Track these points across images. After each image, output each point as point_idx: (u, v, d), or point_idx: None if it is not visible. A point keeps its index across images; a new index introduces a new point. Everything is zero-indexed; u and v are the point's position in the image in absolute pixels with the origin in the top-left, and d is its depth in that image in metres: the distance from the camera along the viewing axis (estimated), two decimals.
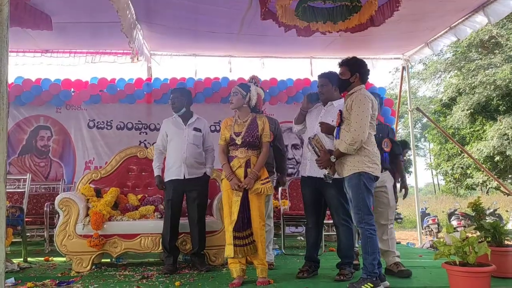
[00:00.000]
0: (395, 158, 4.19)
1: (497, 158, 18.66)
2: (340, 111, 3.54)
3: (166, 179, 4.30)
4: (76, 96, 6.79)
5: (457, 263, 3.09)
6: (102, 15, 5.17)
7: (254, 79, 3.94)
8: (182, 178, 4.23)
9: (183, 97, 4.39)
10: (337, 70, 3.67)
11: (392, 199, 4.08)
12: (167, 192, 4.28)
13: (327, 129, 3.70)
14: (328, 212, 4.10)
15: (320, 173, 3.73)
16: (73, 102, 6.81)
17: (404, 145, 5.35)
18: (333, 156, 3.46)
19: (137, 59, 6.24)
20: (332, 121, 3.74)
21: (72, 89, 6.85)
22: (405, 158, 4.57)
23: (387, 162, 4.03)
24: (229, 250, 3.57)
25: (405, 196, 4.30)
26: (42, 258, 5.11)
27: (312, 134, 3.71)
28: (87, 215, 4.46)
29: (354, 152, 3.38)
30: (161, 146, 4.40)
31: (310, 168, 3.94)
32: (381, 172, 3.62)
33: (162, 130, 4.43)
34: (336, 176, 3.58)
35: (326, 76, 3.95)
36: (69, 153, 6.83)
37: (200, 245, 4.31)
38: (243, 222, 3.59)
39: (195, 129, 4.36)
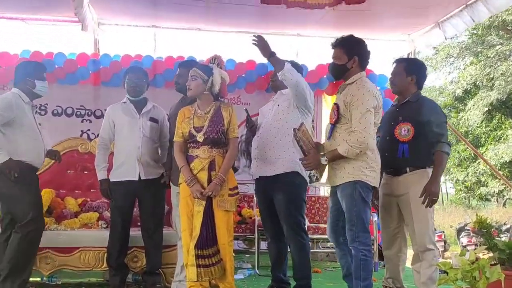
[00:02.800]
0: (431, 147, 3.69)
1: None
2: (337, 105, 3.53)
3: (113, 180, 4.27)
4: (2, 73, 6.64)
5: None
6: None
7: (217, 60, 3.91)
8: (137, 179, 4.20)
9: (145, 79, 4.41)
10: (328, 52, 3.70)
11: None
12: (115, 197, 4.24)
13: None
14: None
15: (267, 171, 3.91)
16: None
17: None
18: (324, 158, 3.48)
19: (82, 28, 6.15)
20: (278, 105, 4.01)
21: None
22: None
23: (406, 155, 3.71)
24: (191, 273, 3.54)
25: (428, 204, 3.63)
26: None
27: (298, 124, 3.69)
28: None
29: (354, 157, 3.39)
30: (107, 140, 4.35)
31: (256, 167, 4.06)
32: (402, 173, 3.68)
33: (107, 119, 4.36)
34: (300, 171, 3.74)
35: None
36: None
37: (155, 262, 4.29)
38: (208, 238, 3.58)
39: (152, 119, 4.34)
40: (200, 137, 3.67)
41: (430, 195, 3.56)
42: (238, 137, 3.84)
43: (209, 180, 3.64)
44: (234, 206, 3.73)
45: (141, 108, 4.33)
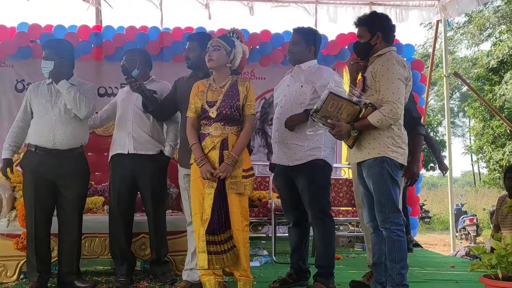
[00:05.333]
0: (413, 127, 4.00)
1: None
2: (364, 77, 3.57)
3: (110, 154, 4.35)
4: None
5: (500, 276, 3.13)
6: None
7: (237, 33, 3.85)
8: (126, 153, 4.21)
9: (138, 57, 4.38)
10: (350, 19, 3.71)
11: None
12: (111, 172, 4.32)
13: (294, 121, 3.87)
14: None
15: (288, 160, 3.99)
16: None
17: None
18: (354, 130, 3.47)
19: None
20: (302, 86, 3.99)
21: None
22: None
23: None
24: (202, 260, 3.53)
25: (411, 183, 4.09)
26: None
27: (317, 106, 3.60)
28: (13, 208, 4.43)
29: (386, 128, 3.40)
30: (97, 117, 4.50)
31: (278, 152, 4.10)
32: None
33: (114, 100, 4.55)
34: (324, 157, 3.80)
35: (298, 32, 4.15)
36: None
37: (159, 249, 4.32)
38: (220, 223, 3.55)
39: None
40: (212, 113, 3.63)
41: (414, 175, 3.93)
42: (255, 115, 3.81)
43: (221, 160, 3.60)
44: (249, 189, 3.69)
45: None
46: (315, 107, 3.53)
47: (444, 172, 6.30)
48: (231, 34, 3.83)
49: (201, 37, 4.13)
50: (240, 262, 3.61)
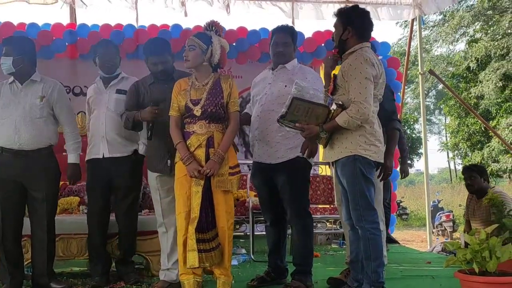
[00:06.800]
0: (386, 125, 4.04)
1: None
2: (334, 76, 3.57)
3: (86, 159, 4.33)
4: None
5: (477, 271, 3.17)
6: None
7: (215, 26, 3.79)
8: (101, 157, 4.19)
9: (118, 54, 4.41)
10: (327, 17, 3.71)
11: None
12: (87, 176, 4.33)
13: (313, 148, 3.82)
14: None
15: (270, 158, 3.98)
16: None
17: None
18: (323, 132, 3.48)
19: None
20: (285, 86, 3.93)
21: None
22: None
23: None
24: (192, 258, 3.53)
25: (383, 177, 4.02)
26: None
27: (282, 112, 3.59)
28: None
29: (354, 129, 3.40)
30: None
31: (258, 150, 4.09)
32: None
33: (87, 102, 4.48)
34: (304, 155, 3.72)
35: (287, 32, 4.13)
36: None
37: (126, 249, 4.31)
38: (207, 221, 3.57)
39: (119, 91, 4.26)
40: (197, 111, 3.63)
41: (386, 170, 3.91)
42: (239, 111, 3.80)
43: (207, 158, 3.61)
44: (235, 186, 3.70)
45: (109, 82, 4.31)
46: (281, 113, 3.54)
47: (402, 174, 6.18)
48: (209, 28, 3.78)
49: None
50: (223, 260, 3.64)
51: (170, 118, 3.75)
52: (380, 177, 3.93)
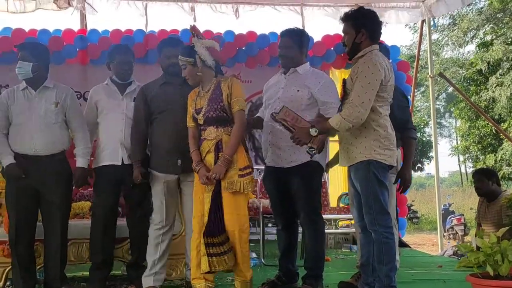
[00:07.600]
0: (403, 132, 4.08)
1: None
2: (344, 81, 3.58)
3: (95, 166, 4.28)
4: None
5: (492, 274, 3.14)
6: None
7: (194, 31, 3.80)
8: (120, 163, 4.19)
9: (133, 60, 4.38)
10: (335, 22, 3.71)
11: None
12: (98, 182, 4.27)
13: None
14: None
15: (283, 162, 3.99)
16: None
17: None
18: (314, 129, 3.49)
19: (68, 2, 6.11)
20: (298, 90, 3.96)
21: None
22: None
23: None
24: (203, 263, 3.55)
25: (403, 190, 4.18)
26: None
27: (277, 109, 3.72)
28: None
29: (347, 132, 3.43)
30: (90, 124, 4.29)
31: (272, 155, 4.09)
32: None
33: (90, 102, 4.36)
34: (317, 159, 3.79)
35: (289, 35, 4.13)
36: None
37: (140, 253, 4.26)
38: (216, 224, 3.58)
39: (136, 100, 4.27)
40: (200, 119, 3.70)
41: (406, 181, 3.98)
42: (244, 110, 3.78)
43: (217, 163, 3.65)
44: (247, 187, 3.66)
45: (124, 89, 4.30)
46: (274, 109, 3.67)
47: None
48: (192, 33, 3.79)
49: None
50: (238, 263, 3.64)
51: (188, 129, 3.82)
52: (400, 190, 4.01)
